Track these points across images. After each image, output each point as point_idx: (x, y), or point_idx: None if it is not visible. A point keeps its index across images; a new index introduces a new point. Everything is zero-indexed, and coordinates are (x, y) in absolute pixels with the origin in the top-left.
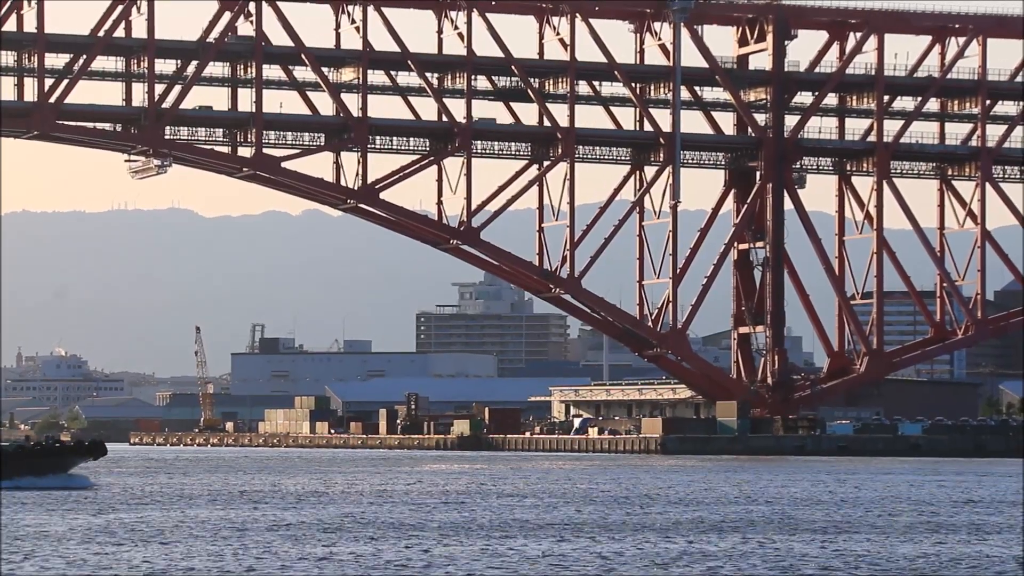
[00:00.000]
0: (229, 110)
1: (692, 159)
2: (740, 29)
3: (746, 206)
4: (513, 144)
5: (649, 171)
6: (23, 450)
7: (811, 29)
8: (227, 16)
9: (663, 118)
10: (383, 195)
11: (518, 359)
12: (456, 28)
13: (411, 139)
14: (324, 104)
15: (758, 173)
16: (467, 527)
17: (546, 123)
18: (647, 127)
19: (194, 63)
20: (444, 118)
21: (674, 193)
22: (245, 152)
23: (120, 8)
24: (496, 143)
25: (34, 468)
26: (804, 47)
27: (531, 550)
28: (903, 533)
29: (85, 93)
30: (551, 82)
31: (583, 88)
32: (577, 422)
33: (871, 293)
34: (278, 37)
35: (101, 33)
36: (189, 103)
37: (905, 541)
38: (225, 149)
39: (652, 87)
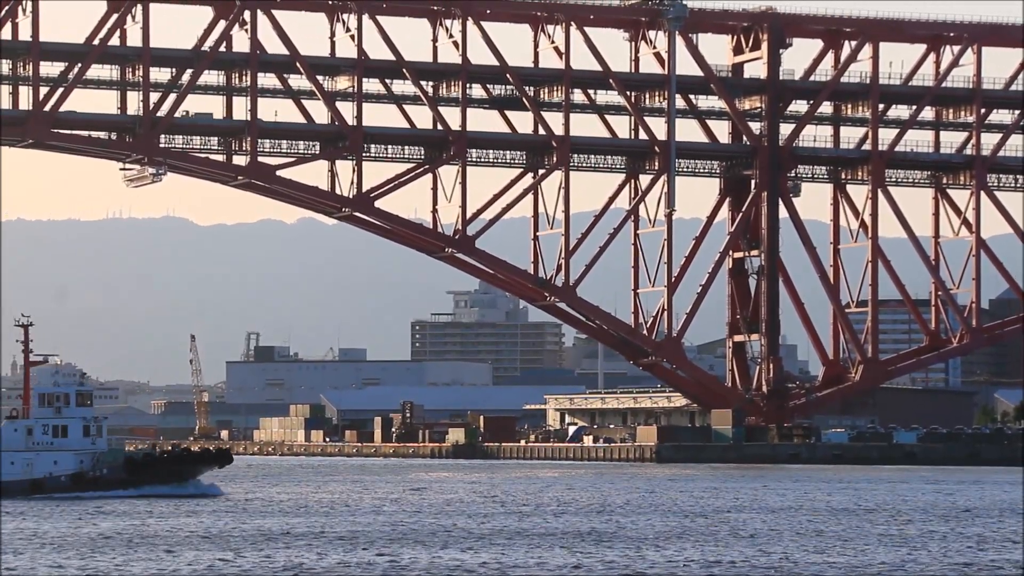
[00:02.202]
0: (224, 118)
1: (687, 167)
2: (735, 37)
3: (741, 214)
4: (508, 152)
5: (644, 179)
6: (150, 458)
7: (806, 37)
8: (222, 24)
9: (658, 126)
10: (378, 203)
11: (513, 367)
12: (451, 36)
13: (406, 147)
14: (319, 112)
15: (753, 181)
16: None
17: (541, 131)
18: (642, 135)
19: (189, 71)
20: (439, 126)
21: (669, 201)
22: (240, 160)
23: (115, 16)
24: (491, 151)
25: (164, 476)
26: (799, 55)
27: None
28: None
29: (80, 101)
30: (546, 90)
31: (578, 96)
32: (572, 430)
33: (866, 301)
34: (273, 46)
35: (96, 41)
36: (184, 111)
37: None
38: (220, 157)
39: (647, 95)
